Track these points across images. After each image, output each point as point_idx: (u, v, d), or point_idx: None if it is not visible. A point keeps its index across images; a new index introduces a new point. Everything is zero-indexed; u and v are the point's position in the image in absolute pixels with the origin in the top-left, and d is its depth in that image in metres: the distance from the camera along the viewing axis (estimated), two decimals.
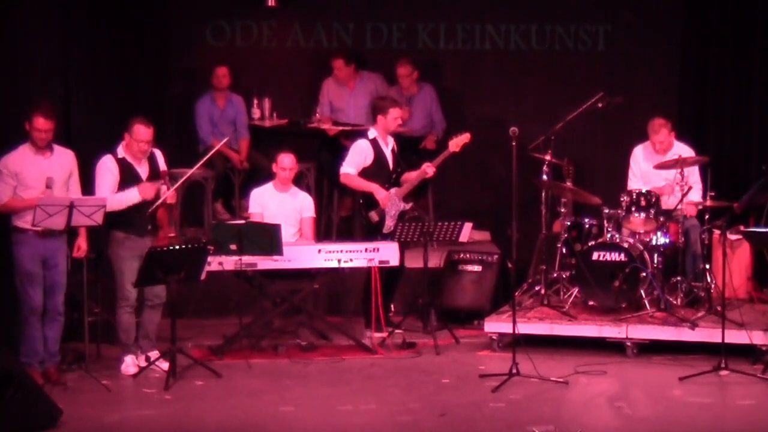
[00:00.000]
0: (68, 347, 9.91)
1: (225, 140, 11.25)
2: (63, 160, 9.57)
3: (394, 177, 10.92)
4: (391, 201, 10.85)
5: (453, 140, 10.78)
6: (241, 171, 12.48)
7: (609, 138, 12.37)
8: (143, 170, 9.75)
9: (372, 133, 10.96)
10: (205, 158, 10.60)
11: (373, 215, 10.87)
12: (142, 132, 9.64)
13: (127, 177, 9.67)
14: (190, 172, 10.30)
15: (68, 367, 9.63)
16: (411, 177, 10.88)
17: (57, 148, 9.56)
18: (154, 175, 9.75)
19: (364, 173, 10.85)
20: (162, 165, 9.86)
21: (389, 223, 10.83)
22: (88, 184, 9.84)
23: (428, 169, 10.80)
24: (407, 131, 12.14)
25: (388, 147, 10.95)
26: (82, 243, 9.69)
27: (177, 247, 9.53)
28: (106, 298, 10.38)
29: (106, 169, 9.67)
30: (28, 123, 9.39)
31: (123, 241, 9.68)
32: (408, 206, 10.92)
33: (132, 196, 9.61)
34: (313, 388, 9.39)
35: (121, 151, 9.71)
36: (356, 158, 10.86)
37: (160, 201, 9.65)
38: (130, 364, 9.78)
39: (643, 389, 9.37)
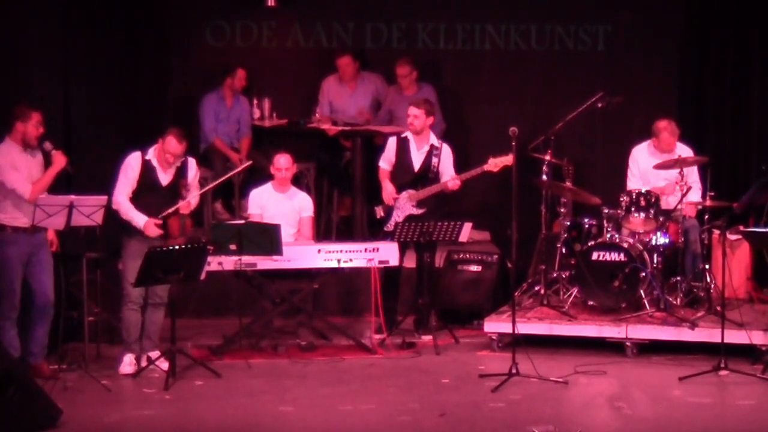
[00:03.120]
0: (68, 347, 9.91)
1: (249, 163, 11.27)
2: (42, 160, 9.57)
3: (418, 179, 10.91)
4: (400, 201, 10.88)
5: (493, 159, 10.71)
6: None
7: (609, 138, 12.37)
8: (165, 177, 9.77)
9: (408, 132, 11.01)
10: (223, 178, 10.77)
11: (378, 210, 11.01)
12: (173, 145, 9.66)
13: (147, 180, 9.71)
14: (209, 187, 10.45)
15: (68, 367, 9.62)
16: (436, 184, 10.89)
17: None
18: (176, 183, 9.79)
19: (393, 170, 11.02)
20: (191, 175, 9.89)
21: (393, 223, 10.86)
22: (87, 183, 9.85)
23: (450, 182, 10.81)
24: (404, 131, 12.13)
25: (422, 149, 10.93)
26: (53, 239, 9.67)
27: (177, 247, 9.53)
28: (106, 298, 10.40)
29: (129, 167, 9.70)
30: (22, 122, 9.36)
31: (132, 242, 9.68)
32: (420, 212, 10.89)
33: (138, 220, 9.59)
34: (313, 388, 9.39)
35: (150, 153, 9.74)
36: (385, 154, 11.12)
37: (173, 208, 9.68)
38: (127, 363, 9.77)
39: (643, 389, 9.37)
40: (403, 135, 11.10)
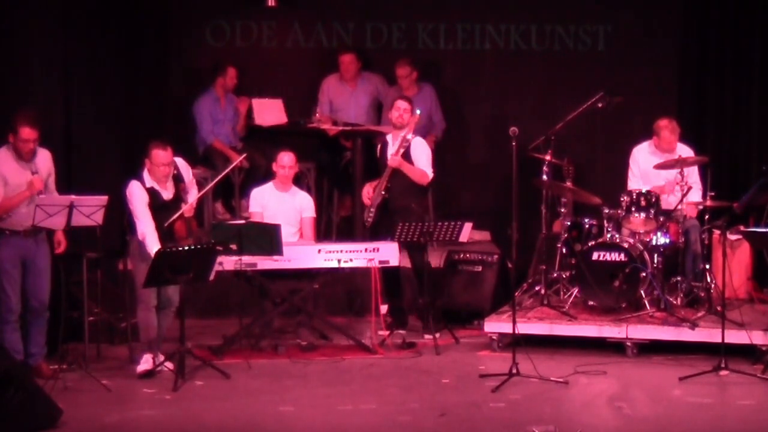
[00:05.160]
0: (68, 347, 9.91)
1: (243, 156, 11.34)
2: (44, 161, 9.53)
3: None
4: (373, 199, 10.91)
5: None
6: (241, 170, 12.48)
7: (609, 138, 12.37)
8: (168, 194, 9.78)
9: (389, 135, 11.06)
10: (223, 173, 10.75)
11: (365, 213, 11.05)
12: (161, 156, 9.63)
13: (154, 204, 9.70)
14: (207, 187, 10.45)
15: (68, 367, 9.61)
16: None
17: (38, 149, 9.51)
18: (178, 193, 9.80)
19: None
20: (186, 175, 9.90)
21: (367, 218, 10.91)
22: (87, 183, 9.86)
23: (390, 160, 10.82)
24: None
25: (395, 146, 10.95)
26: (61, 239, 9.64)
27: (186, 247, 9.54)
28: (106, 298, 10.39)
29: (140, 197, 9.63)
30: (13, 134, 9.29)
31: (139, 246, 9.69)
32: (384, 196, 10.87)
33: (152, 248, 9.51)
34: (313, 388, 9.39)
35: (148, 179, 9.69)
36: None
37: (177, 214, 9.68)
38: (145, 362, 9.72)
39: (643, 389, 9.37)
40: (384, 139, 11.13)
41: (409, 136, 10.91)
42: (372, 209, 10.94)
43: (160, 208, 9.70)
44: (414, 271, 10.93)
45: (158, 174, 9.69)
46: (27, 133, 9.28)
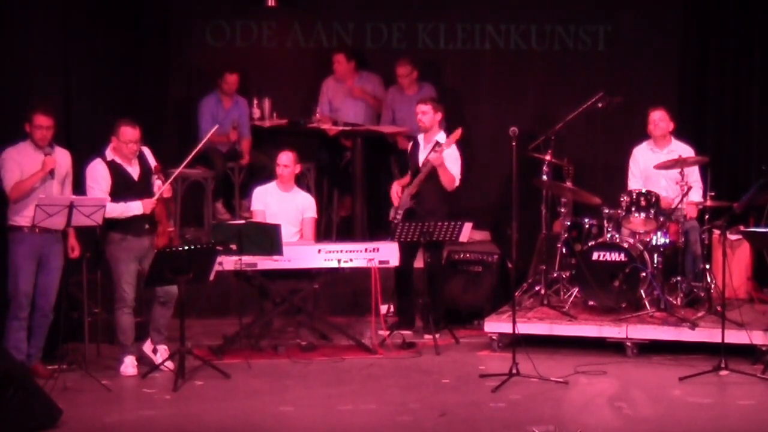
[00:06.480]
0: (68, 347, 9.90)
1: (215, 128, 11.15)
2: (62, 160, 9.62)
3: (417, 174, 10.93)
4: (403, 199, 10.89)
5: (447, 139, 10.76)
6: (242, 168, 12.47)
7: (609, 138, 12.37)
8: (134, 170, 9.76)
9: (420, 134, 11.04)
10: (197, 148, 10.53)
11: (391, 212, 11.04)
12: (129, 133, 9.65)
13: (119, 179, 9.68)
14: (183, 164, 10.30)
15: (68, 367, 9.61)
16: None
17: (56, 147, 9.60)
18: (146, 174, 9.76)
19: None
20: (152, 161, 9.88)
21: (394, 218, 10.89)
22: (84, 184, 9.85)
23: (431, 157, 10.76)
24: (406, 131, 12.14)
25: (427, 147, 10.92)
26: (74, 244, 9.70)
27: (186, 247, 9.53)
28: (106, 298, 10.39)
29: (98, 173, 9.66)
30: (29, 123, 9.47)
31: (119, 242, 9.69)
32: (412, 203, 10.91)
33: (134, 207, 9.59)
34: (313, 388, 9.39)
35: (110, 154, 9.72)
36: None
37: (156, 197, 9.67)
38: (128, 365, 9.76)
39: (643, 389, 9.37)
40: (416, 137, 11.13)
41: (442, 141, 10.89)
42: (400, 211, 10.92)
43: (126, 185, 9.65)
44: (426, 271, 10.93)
45: (124, 151, 9.66)
46: (41, 119, 9.45)
